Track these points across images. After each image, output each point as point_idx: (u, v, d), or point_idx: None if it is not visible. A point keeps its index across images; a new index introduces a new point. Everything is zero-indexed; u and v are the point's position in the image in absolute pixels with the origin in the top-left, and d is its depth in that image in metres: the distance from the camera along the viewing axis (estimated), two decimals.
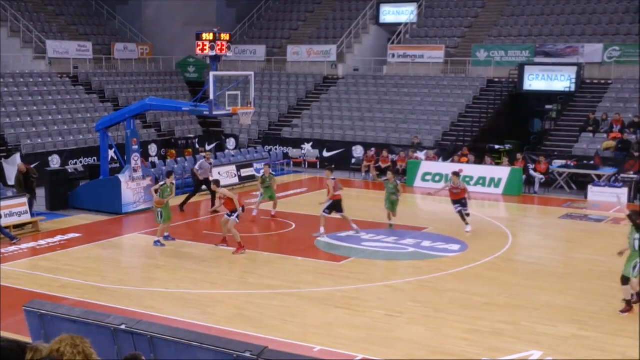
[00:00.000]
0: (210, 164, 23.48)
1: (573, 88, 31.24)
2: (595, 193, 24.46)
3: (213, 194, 20.42)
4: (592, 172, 25.71)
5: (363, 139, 31.16)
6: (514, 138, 30.76)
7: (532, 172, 26.21)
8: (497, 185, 25.81)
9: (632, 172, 24.99)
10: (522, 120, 32.67)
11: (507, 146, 29.63)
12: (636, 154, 25.83)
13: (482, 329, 11.87)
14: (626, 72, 31.26)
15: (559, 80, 31.69)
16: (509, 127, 31.80)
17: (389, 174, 20.37)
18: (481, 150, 28.42)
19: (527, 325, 12.09)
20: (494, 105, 31.96)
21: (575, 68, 31.43)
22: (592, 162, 26.21)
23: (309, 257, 16.61)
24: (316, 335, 11.56)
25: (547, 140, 29.73)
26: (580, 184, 25.80)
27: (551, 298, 13.63)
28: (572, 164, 26.39)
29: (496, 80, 33.27)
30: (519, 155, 26.93)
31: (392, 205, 19.54)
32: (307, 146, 31.61)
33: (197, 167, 23.30)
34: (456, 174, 19.72)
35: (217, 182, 18.22)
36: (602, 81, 31.64)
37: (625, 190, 24.12)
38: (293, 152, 31.53)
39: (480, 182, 25.98)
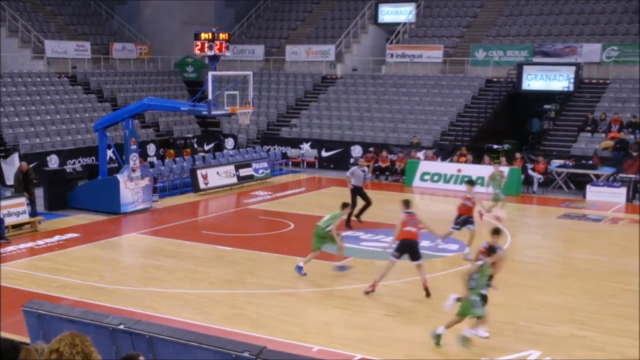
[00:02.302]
0: (364, 171, 20.71)
1: (571, 88, 31.25)
2: (593, 193, 24.48)
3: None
4: (591, 172, 25.72)
5: (362, 139, 31.16)
6: (513, 138, 30.77)
7: (530, 172, 26.22)
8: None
9: (630, 172, 25.01)
10: (521, 120, 32.68)
11: (506, 146, 29.63)
12: (634, 154, 25.84)
13: None
14: (624, 72, 31.28)
15: (558, 80, 31.70)
16: (507, 127, 31.80)
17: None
18: (479, 150, 28.42)
19: (525, 325, 12.10)
20: (493, 105, 31.95)
21: (573, 68, 31.44)
22: (590, 162, 26.22)
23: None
24: (315, 335, 11.56)
25: (546, 140, 29.73)
26: (578, 184, 25.81)
27: (550, 298, 13.64)
28: (571, 164, 26.40)
29: (495, 80, 33.28)
30: (517, 155, 26.94)
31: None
32: (306, 146, 31.61)
33: (348, 174, 20.52)
34: (471, 182, 17.94)
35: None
36: (601, 81, 31.66)
37: (623, 190, 24.14)
38: (291, 152, 31.53)
39: (479, 182, 25.95)
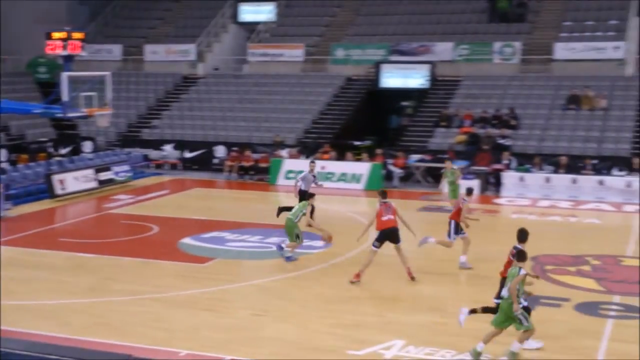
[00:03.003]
0: (314, 176, 20.50)
1: (427, 85, 32.45)
2: None
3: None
4: None
5: (225, 139, 30.95)
6: (374, 134, 31.56)
7: (390, 167, 27.01)
8: (358, 181, 26.42)
9: (482, 165, 26.26)
10: (381, 116, 33.58)
11: (367, 142, 30.36)
12: (485, 147, 27.17)
13: (347, 323, 12.11)
14: (475, 69, 32.81)
15: (414, 78, 32.82)
16: (368, 124, 32.57)
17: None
18: (342, 147, 28.96)
19: (390, 316, 12.45)
20: (354, 102, 32.64)
21: (428, 66, 32.65)
22: (446, 156, 27.32)
23: (173, 260, 16.32)
24: (182, 340, 11.37)
25: (404, 136, 30.71)
26: (436, 177, 26.82)
27: (413, 288, 14.10)
28: (428, 158, 27.42)
29: (355, 78, 33.99)
30: (378, 151, 27.67)
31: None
32: (168, 147, 31.04)
33: (299, 178, 20.27)
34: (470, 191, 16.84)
35: None
36: (453, 78, 33.05)
37: (477, 181, 25.33)
38: (153, 153, 30.86)
39: (343, 178, 26.53)
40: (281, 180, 26.99)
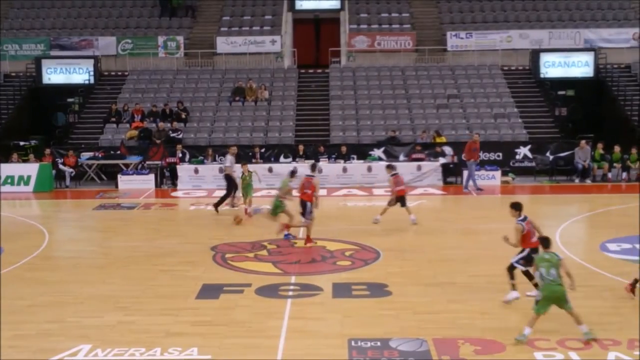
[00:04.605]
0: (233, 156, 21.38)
1: (92, 81, 31.67)
2: (125, 182, 25.34)
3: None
4: (120, 162, 26.52)
5: None
6: (40, 133, 30.02)
7: (61, 167, 25.96)
8: (26, 183, 24.98)
9: (156, 159, 26.42)
10: (46, 114, 32.00)
11: (33, 142, 28.78)
12: (158, 141, 27.36)
13: (28, 333, 11.48)
14: (141, 63, 32.78)
15: (78, 74, 31.83)
16: (32, 123, 30.92)
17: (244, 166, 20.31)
18: (6, 148, 27.11)
19: (73, 321, 12.05)
20: (14, 100, 30.70)
21: (92, 61, 31.86)
22: (118, 152, 26.99)
23: None
24: None
25: (73, 134, 29.69)
26: (110, 174, 26.42)
27: (95, 289, 13.77)
28: (100, 155, 26.85)
29: (13, 74, 31.96)
30: (46, 151, 26.40)
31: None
32: None
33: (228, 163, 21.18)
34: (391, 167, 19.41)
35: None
36: (119, 73, 32.67)
37: (152, 176, 25.43)
38: None
39: (9, 181, 24.88)
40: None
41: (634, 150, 25.98)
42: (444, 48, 34.34)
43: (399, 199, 18.75)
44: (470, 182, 24.29)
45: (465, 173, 24.61)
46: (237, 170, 20.99)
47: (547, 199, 24.12)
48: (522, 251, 12.32)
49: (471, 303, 12.55)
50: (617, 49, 33.31)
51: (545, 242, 11.03)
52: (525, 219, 12.27)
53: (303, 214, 16.79)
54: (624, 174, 26.06)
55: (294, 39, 36.57)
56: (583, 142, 26.16)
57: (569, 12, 36.05)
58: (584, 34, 33.80)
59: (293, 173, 17.99)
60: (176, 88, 31.81)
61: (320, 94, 32.14)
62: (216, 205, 20.63)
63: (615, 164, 26.21)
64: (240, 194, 20.72)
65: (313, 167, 17.96)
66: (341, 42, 35.26)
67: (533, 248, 12.05)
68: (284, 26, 35.36)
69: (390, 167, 19.31)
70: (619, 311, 12.08)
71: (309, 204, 16.73)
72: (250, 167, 21.30)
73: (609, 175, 26.08)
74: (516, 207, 12.37)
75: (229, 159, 21.25)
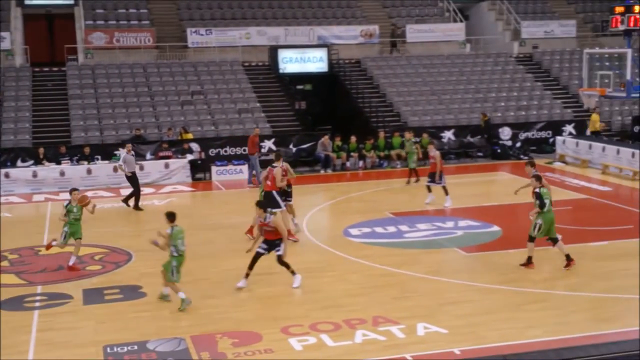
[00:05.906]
0: (133, 155, 21.26)
1: None
2: None
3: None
4: None
5: None
6: None
7: None
8: None
9: None
10: None
11: None
12: None
13: None
14: None
15: None
16: None
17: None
18: None
19: None
20: None
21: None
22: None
23: None
24: None
25: None
26: None
27: None
28: None
29: None
30: None
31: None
32: None
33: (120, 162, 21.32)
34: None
35: None
36: None
37: None
38: None
39: None
40: None
41: (369, 141, 28.02)
42: (184, 44, 34.34)
43: None
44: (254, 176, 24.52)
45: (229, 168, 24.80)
46: None
47: (293, 189, 25.16)
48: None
49: (224, 297, 12.81)
50: (347, 45, 35.56)
51: (171, 216, 12.56)
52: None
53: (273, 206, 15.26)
54: (361, 162, 27.96)
55: (25, 36, 34.41)
56: (326, 137, 27.65)
57: (303, 10, 37.78)
58: (317, 31, 35.64)
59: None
60: None
61: (58, 93, 30.59)
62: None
63: (352, 154, 28.02)
64: None
65: (277, 157, 17.08)
66: (77, 39, 33.81)
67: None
68: (13, 22, 33.13)
69: None
70: (364, 291, 13.02)
71: (274, 193, 16.34)
72: None
73: (347, 164, 27.83)
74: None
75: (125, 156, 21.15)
